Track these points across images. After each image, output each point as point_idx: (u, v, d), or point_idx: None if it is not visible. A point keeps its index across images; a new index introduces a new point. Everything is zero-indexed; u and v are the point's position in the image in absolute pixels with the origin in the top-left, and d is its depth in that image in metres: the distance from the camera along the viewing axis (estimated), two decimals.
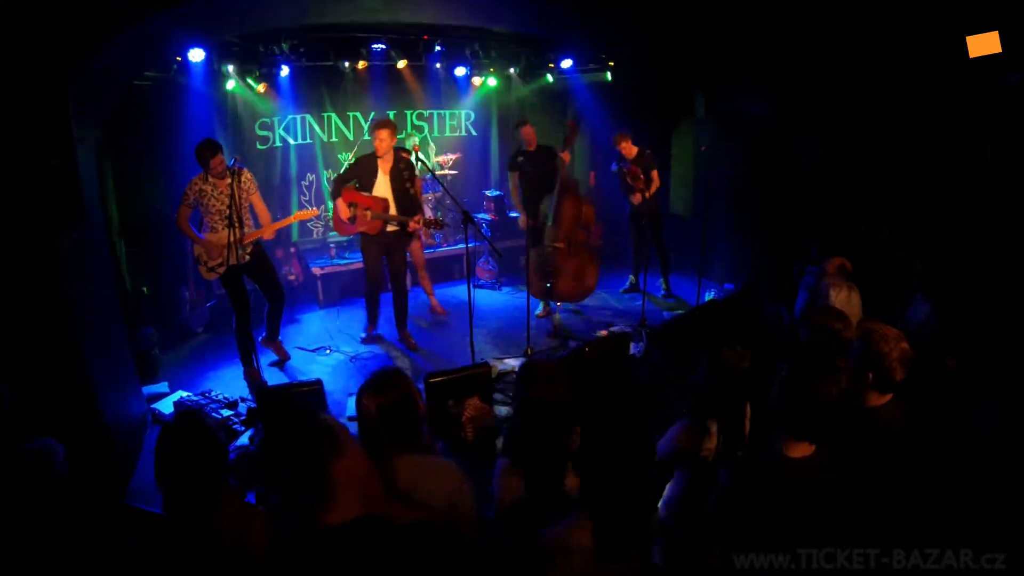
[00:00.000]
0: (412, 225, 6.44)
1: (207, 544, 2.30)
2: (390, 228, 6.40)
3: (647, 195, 7.62)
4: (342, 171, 6.54)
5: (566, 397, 2.81)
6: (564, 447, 2.80)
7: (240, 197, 5.49)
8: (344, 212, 6.26)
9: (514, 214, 8.94)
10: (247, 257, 5.73)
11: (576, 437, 2.89)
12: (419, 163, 6.47)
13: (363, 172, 6.29)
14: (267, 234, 5.86)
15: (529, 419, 2.83)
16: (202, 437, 2.37)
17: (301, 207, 8.89)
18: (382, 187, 6.29)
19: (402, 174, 6.32)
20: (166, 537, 2.38)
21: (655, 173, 7.65)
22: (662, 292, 8.22)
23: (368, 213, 6.24)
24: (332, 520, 1.88)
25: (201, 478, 2.33)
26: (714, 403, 3.18)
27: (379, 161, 6.25)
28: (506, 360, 6.36)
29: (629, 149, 7.65)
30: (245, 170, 5.74)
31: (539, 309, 7.68)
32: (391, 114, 8.20)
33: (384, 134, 6.15)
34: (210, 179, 5.50)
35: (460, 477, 2.70)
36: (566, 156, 7.02)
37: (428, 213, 8.06)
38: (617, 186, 8.16)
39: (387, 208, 6.27)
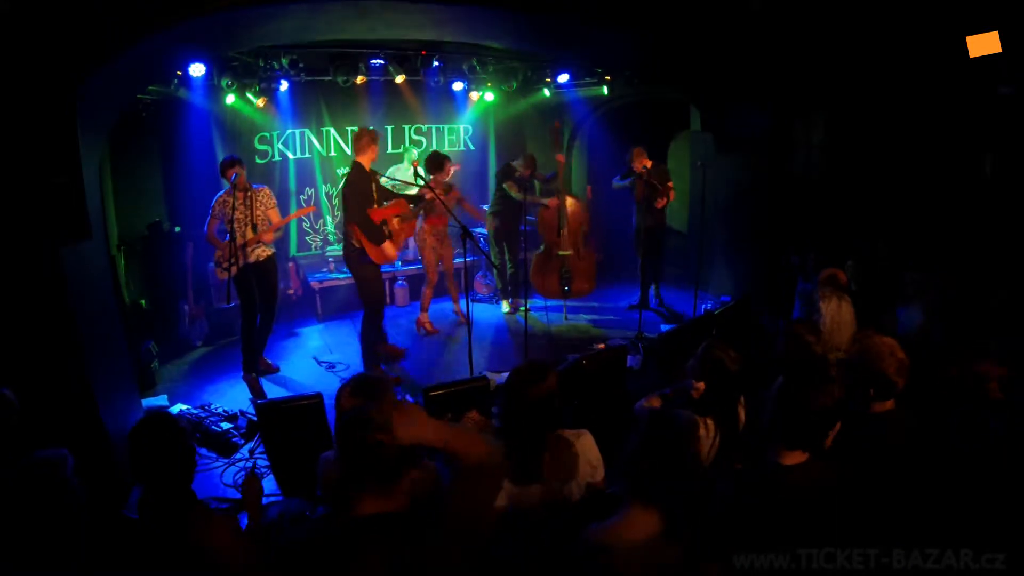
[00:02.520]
0: (428, 194, 6.51)
1: (174, 545, 2.38)
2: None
3: (668, 199, 7.73)
4: (360, 202, 6.01)
5: (548, 395, 2.89)
6: (541, 443, 2.88)
7: (255, 211, 5.91)
8: (392, 251, 6.21)
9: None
10: (256, 261, 6.00)
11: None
12: (418, 178, 6.59)
13: (370, 189, 6.17)
14: (266, 237, 5.98)
15: (511, 413, 2.92)
16: (165, 436, 2.50)
17: (301, 220, 8.95)
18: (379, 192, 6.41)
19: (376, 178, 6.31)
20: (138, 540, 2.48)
21: (670, 183, 7.75)
22: (655, 302, 8.23)
23: (396, 220, 6.27)
24: (363, 511, 1.93)
25: (163, 475, 2.48)
26: (708, 399, 3.28)
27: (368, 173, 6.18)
28: (504, 373, 6.37)
29: (645, 162, 7.70)
30: (265, 188, 6.12)
31: (505, 308, 8.38)
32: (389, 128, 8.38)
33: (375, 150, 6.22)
34: (235, 192, 5.76)
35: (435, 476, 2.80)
36: (561, 158, 7.57)
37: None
38: (616, 201, 8.24)
39: (405, 205, 6.40)
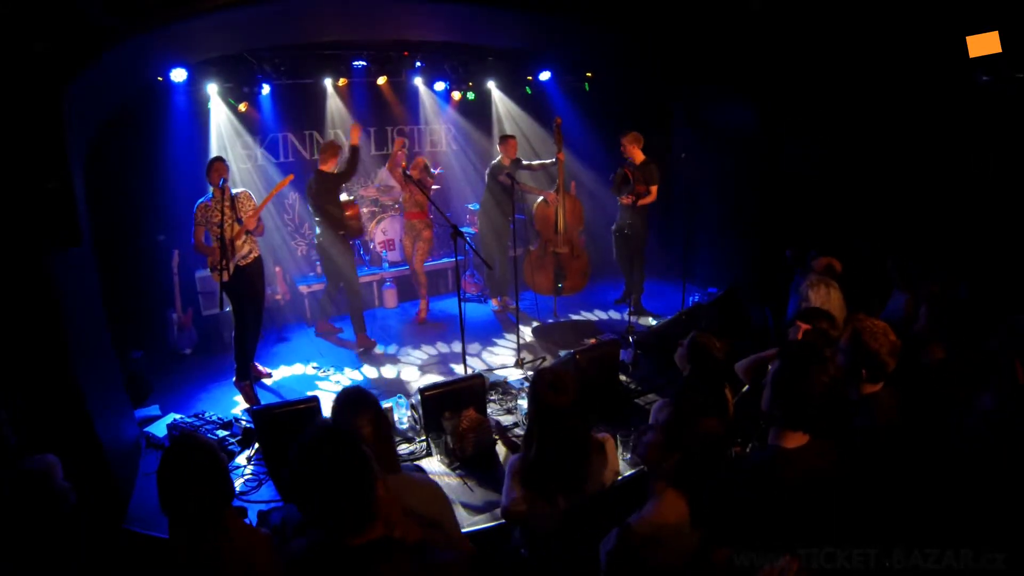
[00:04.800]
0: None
1: (213, 568, 2.31)
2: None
3: (637, 203, 7.48)
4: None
5: (575, 402, 2.92)
6: (583, 449, 2.92)
7: (238, 212, 5.86)
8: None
9: None
10: (245, 262, 5.94)
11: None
12: (407, 179, 6.74)
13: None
14: (250, 223, 5.91)
15: (544, 424, 2.93)
16: (204, 459, 2.38)
17: (285, 225, 8.91)
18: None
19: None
20: (172, 561, 2.38)
21: (654, 188, 7.51)
22: (628, 309, 7.96)
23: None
24: (357, 541, 1.92)
25: (206, 501, 2.33)
26: (693, 383, 3.38)
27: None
28: (497, 371, 6.40)
29: (636, 154, 7.57)
30: (244, 191, 6.05)
31: (494, 306, 8.46)
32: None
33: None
34: (223, 196, 5.73)
35: (440, 494, 2.77)
36: (561, 156, 7.52)
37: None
38: (601, 197, 8.25)
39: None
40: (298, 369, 6.83)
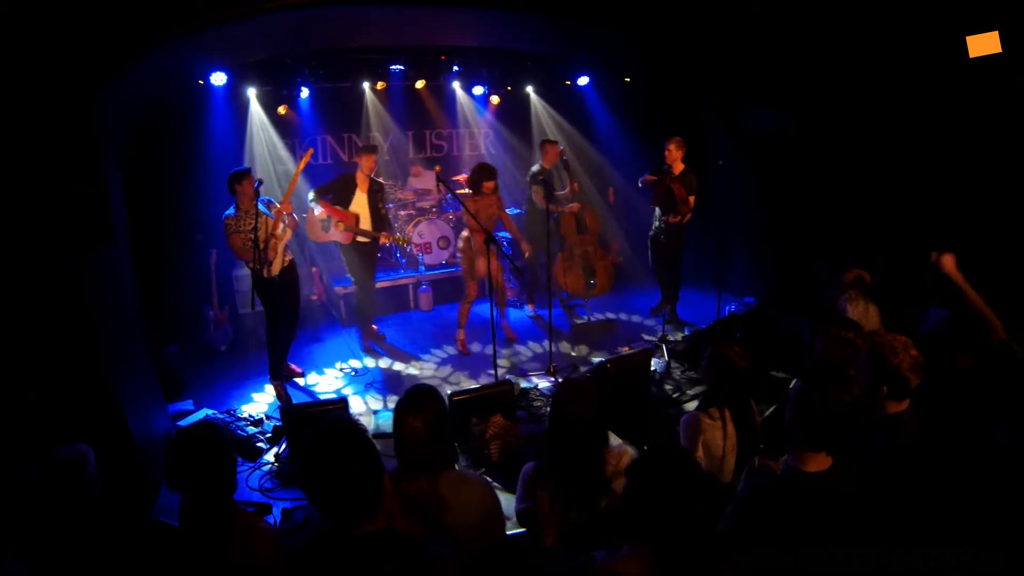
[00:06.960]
0: (383, 239, 7.12)
1: (218, 556, 2.37)
2: (361, 239, 6.93)
3: (684, 220, 7.31)
4: (322, 185, 6.88)
5: (594, 415, 2.85)
6: (595, 464, 2.84)
7: (268, 230, 5.85)
8: (314, 221, 6.82)
9: None
10: (274, 275, 5.93)
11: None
12: (440, 183, 6.71)
13: (343, 189, 6.82)
14: (286, 207, 5.96)
15: (559, 434, 2.87)
16: (207, 444, 2.48)
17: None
18: (359, 203, 6.85)
19: (376, 195, 6.97)
20: (180, 549, 2.45)
21: (692, 199, 7.30)
22: (663, 319, 7.71)
23: (341, 225, 6.76)
24: (359, 531, 1.93)
25: (206, 485, 2.43)
26: (717, 395, 3.32)
27: (359, 180, 6.82)
28: (529, 377, 6.35)
29: (677, 161, 7.32)
30: (292, 216, 6.09)
31: (530, 311, 8.43)
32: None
33: (372, 159, 6.89)
34: (256, 207, 5.65)
35: (492, 492, 2.76)
36: (575, 186, 8.11)
37: (396, 232, 8.44)
38: (638, 204, 8.19)
39: (358, 222, 6.82)
40: (330, 369, 6.88)
